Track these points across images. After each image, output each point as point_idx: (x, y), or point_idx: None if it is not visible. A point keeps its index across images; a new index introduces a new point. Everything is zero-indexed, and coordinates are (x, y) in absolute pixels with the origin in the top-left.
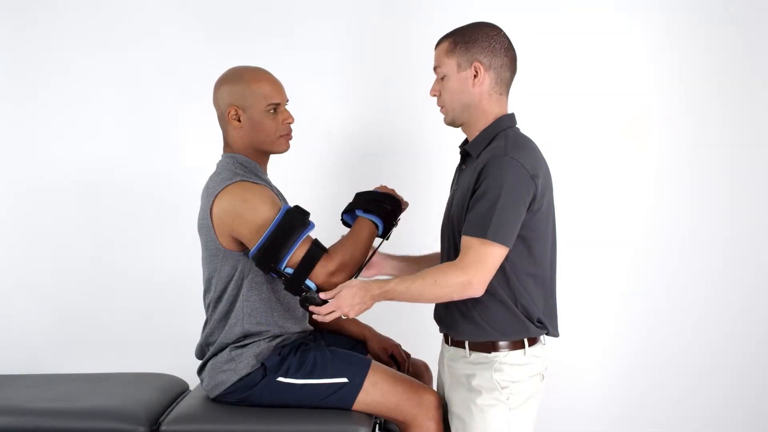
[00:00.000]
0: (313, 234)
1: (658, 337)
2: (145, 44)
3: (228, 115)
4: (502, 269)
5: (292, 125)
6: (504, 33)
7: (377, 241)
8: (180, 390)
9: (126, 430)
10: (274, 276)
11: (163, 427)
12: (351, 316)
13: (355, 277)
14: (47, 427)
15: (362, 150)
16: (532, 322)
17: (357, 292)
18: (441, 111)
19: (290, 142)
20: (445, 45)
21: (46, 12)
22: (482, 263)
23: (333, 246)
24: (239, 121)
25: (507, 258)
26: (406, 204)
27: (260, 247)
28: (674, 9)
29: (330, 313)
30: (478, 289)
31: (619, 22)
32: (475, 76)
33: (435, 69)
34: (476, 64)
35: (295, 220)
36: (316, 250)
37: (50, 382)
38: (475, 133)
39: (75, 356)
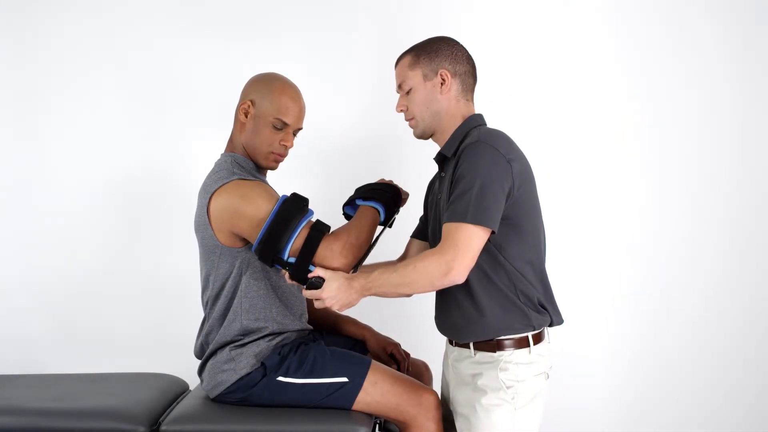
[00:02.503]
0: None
1: (658, 337)
2: (145, 46)
3: (241, 106)
4: (496, 260)
5: (288, 149)
6: (460, 44)
7: (379, 228)
8: (180, 390)
9: (126, 430)
10: (279, 268)
11: (163, 427)
12: (334, 309)
13: (361, 263)
14: (47, 427)
15: (363, 148)
16: (534, 309)
17: (342, 285)
18: (410, 125)
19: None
20: (407, 59)
21: (45, 12)
22: (461, 246)
23: (335, 230)
24: (246, 116)
25: (500, 247)
26: (407, 194)
27: (261, 240)
28: (668, 11)
29: (317, 301)
30: (458, 274)
31: (612, 24)
32: (442, 83)
33: (399, 86)
34: (442, 71)
35: (293, 208)
36: (316, 234)
37: (50, 382)
38: (447, 137)
39: (75, 356)
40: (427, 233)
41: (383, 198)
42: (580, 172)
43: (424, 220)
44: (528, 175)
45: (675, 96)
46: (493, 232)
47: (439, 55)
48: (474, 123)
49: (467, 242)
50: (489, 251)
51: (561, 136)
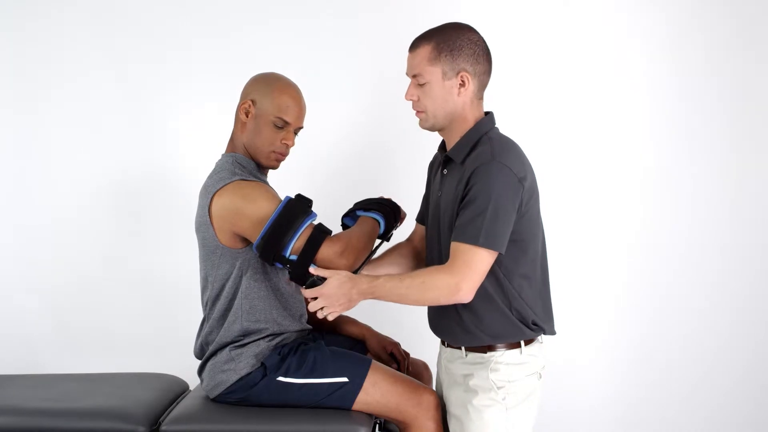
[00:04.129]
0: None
1: (657, 337)
2: (145, 45)
3: (241, 106)
4: (494, 274)
5: (289, 148)
6: (481, 36)
7: (377, 241)
8: (180, 390)
9: (126, 430)
10: (279, 266)
11: (163, 427)
12: (327, 311)
13: (358, 272)
14: (47, 427)
15: (362, 155)
16: (527, 326)
17: (345, 283)
18: (419, 116)
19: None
20: (426, 51)
21: (45, 12)
22: (472, 268)
23: (337, 233)
24: (247, 116)
25: (500, 262)
26: (404, 214)
27: (264, 236)
28: (668, 10)
29: (315, 301)
30: (466, 295)
31: (613, 20)
32: (461, 86)
33: (414, 76)
34: (463, 74)
35: (297, 208)
36: (319, 234)
37: (50, 382)
38: (457, 137)
39: (75, 356)
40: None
41: (383, 210)
42: (580, 171)
43: (426, 204)
44: (535, 190)
45: (679, 92)
46: (500, 254)
47: (461, 53)
48: (484, 128)
49: (477, 265)
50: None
51: (560, 136)
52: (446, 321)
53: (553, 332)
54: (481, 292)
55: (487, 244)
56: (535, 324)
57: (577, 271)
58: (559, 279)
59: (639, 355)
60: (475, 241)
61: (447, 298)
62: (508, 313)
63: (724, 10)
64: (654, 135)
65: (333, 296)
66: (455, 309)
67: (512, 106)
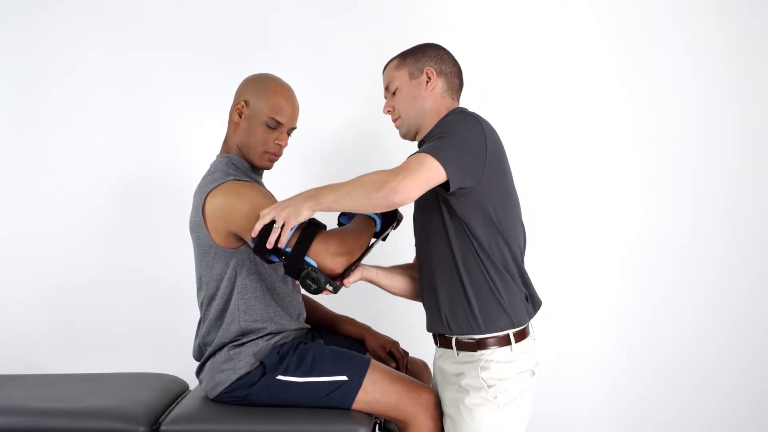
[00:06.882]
0: None
1: (657, 337)
2: (144, 47)
3: (234, 107)
4: (475, 255)
5: (283, 149)
6: (448, 50)
7: (372, 240)
8: (180, 390)
9: (126, 430)
10: (275, 259)
11: (163, 427)
12: (283, 216)
13: (353, 267)
14: (47, 427)
15: (359, 157)
16: (513, 280)
17: (291, 198)
18: (396, 124)
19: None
20: (394, 62)
21: (45, 12)
22: (410, 168)
23: (332, 229)
24: (240, 117)
25: (478, 237)
26: (401, 216)
27: (259, 231)
28: (666, 10)
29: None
30: (396, 188)
31: (613, 20)
32: (428, 81)
33: (386, 87)
34: (427, 69)
35: None
36: (312, 228)
37: (50, 382)
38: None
39: (75, 356)
40: None
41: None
42: (581, 171)
43: None
44: (502, 158)
45: (679, 92)
46: (448, 188)
47: (425, 55)
48: (456, 112)
49: (418, 168)
50: (470, 246)
51: (560, 136)
52: (436, 310)
53: (538, 301)
54: (466, 271)
55: (435, 154)
56: (526, 298)
57: (577, 270)
58: (560, 279)
59: (639, 355)
60: (424, 150)
61: (378, 189)
62: (495, 290)
63: (723, 10)
64: (654, 135)
65: (280, 205)
66: (443, 291)
67: (512, 106)
